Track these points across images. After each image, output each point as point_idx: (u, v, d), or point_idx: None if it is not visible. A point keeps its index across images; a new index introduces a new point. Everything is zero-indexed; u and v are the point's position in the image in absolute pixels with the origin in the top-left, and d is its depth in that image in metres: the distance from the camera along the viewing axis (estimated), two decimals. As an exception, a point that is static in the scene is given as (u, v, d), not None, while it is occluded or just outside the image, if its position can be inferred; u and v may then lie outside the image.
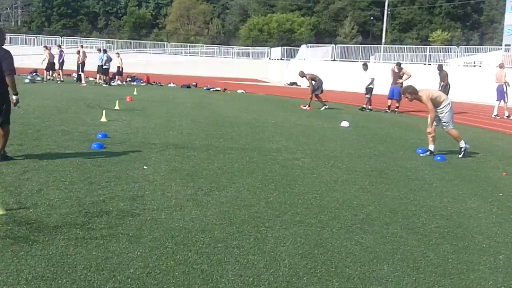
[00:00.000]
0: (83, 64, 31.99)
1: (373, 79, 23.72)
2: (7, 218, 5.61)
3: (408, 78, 22.97)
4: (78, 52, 32.51)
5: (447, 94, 24.00)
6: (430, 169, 10.13)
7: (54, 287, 4.08)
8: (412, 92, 11.57)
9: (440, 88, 24.03)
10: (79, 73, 32.38)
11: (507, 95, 24.17)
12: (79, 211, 6.02)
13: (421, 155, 11.67)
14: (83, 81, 31.56)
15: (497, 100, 24.32)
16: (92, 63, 33.25)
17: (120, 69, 35.43)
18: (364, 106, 24.09)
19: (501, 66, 24.72)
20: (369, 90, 23.80)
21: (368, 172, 9.49)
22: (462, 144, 11.87)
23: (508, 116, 23.79)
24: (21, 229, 5.32)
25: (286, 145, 12.08)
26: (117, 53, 35.90)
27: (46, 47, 34.44)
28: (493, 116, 23.73)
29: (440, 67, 24.37)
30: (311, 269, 4.77)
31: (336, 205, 7.05)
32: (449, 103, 11.68)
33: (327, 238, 5.66)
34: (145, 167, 8.67)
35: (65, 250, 4.83)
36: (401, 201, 7.50)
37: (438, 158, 11.27)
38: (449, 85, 24.00)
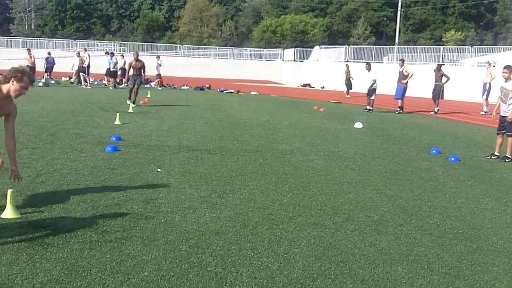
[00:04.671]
0: (88, 67, 32.28)
1: (374, 81, 23.56)
2: (22, 222, 5.64)
3: (411, 77, 22.87)
4: (79, 54, 33.07)
5: (439, 94, 24.27)
6: (444, 170, 10.09)
7: (69, 290, 4.10)
8: None
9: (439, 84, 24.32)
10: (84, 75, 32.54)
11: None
12: (93, 214, 6.06)
13: None
14: (83, 84, 31.70)
15: None
16: (101, 66, 33.29)
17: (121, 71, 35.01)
18: (369, 107, 23.90)
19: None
20: (372, 91, 23.62)
21: (382, 173, 9.46)
22: None
23: (486, 112, 24.20)
24: (36, 232, 5.35)
25: (299, 146, 12.08)
26: (121, 55, 36.09)
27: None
28: None
29: (438, 67, 24.83)
30: (325, 271, 4.77)
31: (350, 206, 7.04)
32: None
33: (341, 240, 5.66)
34: (158, 169, 8.70)
35: (80, 253, 4.86)
36: (415, 202, 7.47)
37: (452, 159, 11.21)
38: (442, 84, 24.30)
